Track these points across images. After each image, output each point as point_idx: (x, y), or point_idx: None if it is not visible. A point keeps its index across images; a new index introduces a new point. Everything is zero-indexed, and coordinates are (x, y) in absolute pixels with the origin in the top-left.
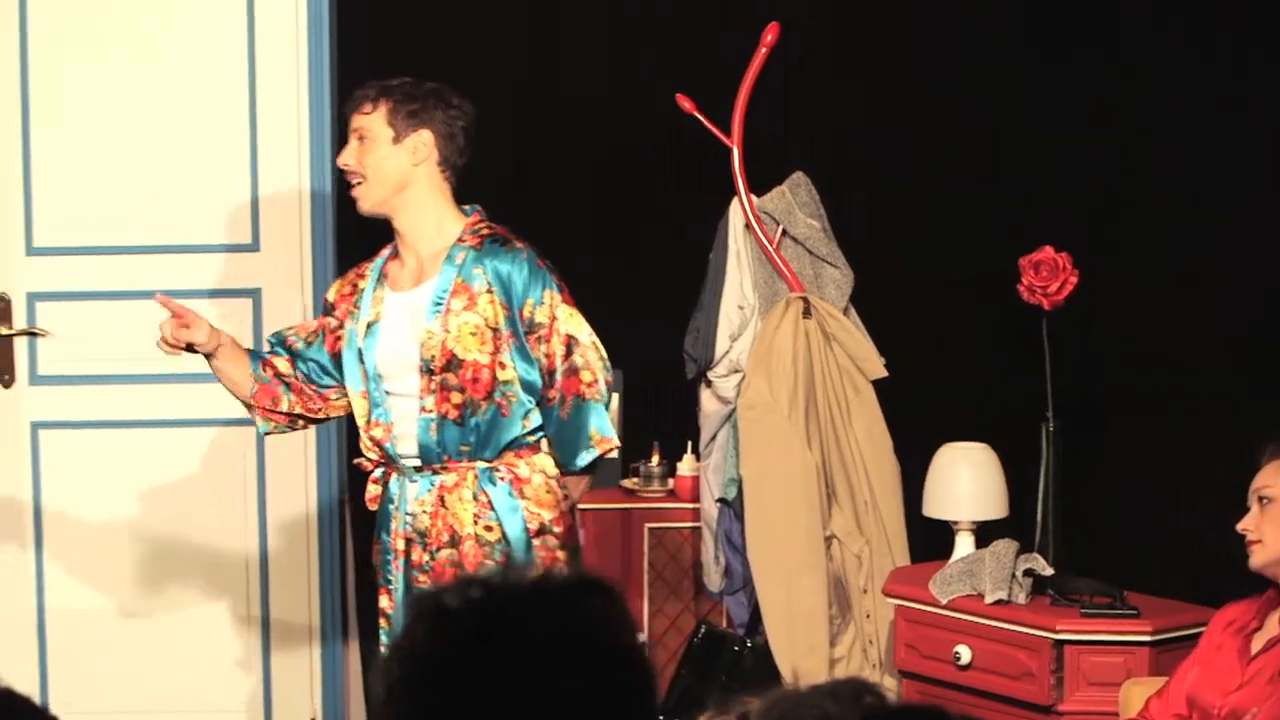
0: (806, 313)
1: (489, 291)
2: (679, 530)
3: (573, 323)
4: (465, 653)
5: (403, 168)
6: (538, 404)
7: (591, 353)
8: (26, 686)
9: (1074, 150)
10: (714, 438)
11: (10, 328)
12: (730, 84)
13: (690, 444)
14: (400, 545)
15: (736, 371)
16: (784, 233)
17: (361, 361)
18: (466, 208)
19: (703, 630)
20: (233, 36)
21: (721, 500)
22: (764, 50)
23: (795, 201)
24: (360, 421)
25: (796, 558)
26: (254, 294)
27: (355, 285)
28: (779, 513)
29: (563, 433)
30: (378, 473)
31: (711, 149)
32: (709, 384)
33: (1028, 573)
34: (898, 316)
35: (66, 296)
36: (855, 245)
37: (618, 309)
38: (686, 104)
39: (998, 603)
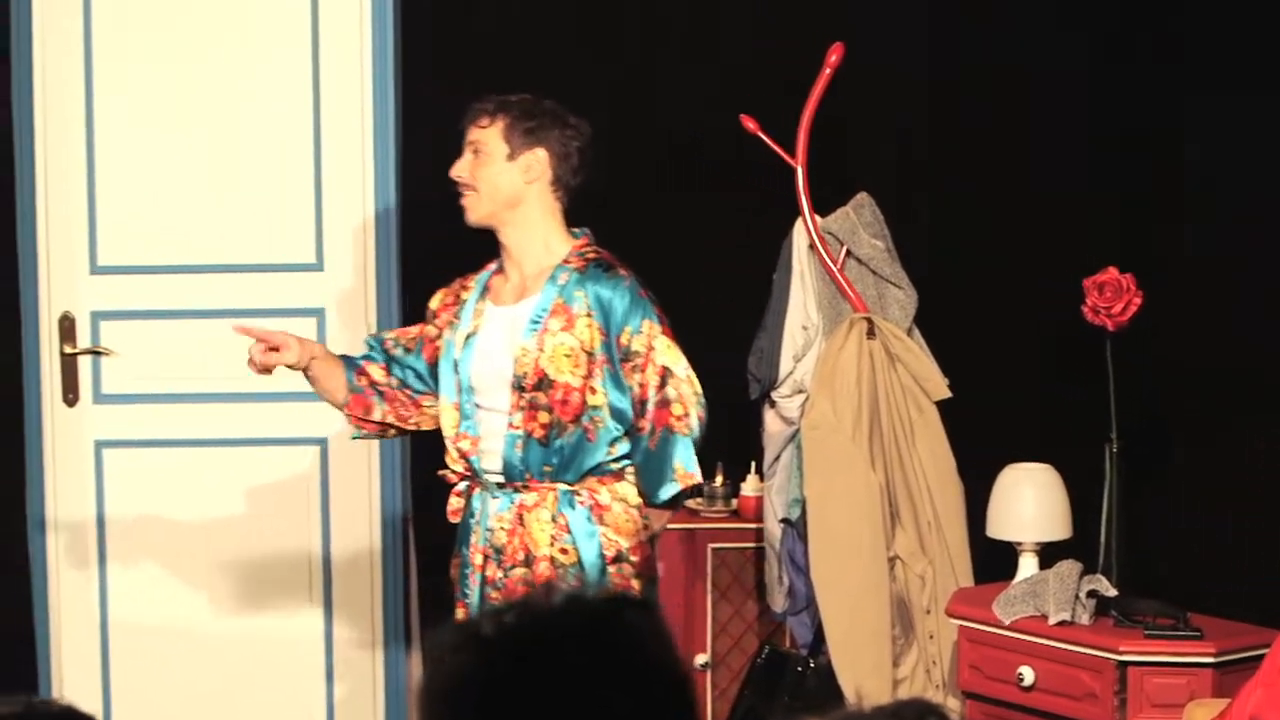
0: (870, 333)
1: (588, 315)
2: (742, 550)
3: (670, 355)
4: (503, 675)
5: (515, 185)
6: (627, 433)
7: (685, 386)
8: (90, 705)
9: (1157, 162)
10: (778, 458)
11: (74, 346)
12: (777, 101)
13: (754, 464)
14: (478, 560)
15: (800, 392)
16: (848, 253)
17: (456, 372)
18: (576, 230)
19: (766, 650)
20: (297, 55)
21: (785, 521)
22: (828, 71)
23: (859, 222)
24: (448, 432)
25: (860, 578)
26: (318, 313)
27: (459, 296)
28: (843, 533)
29: (648, 463)
30: (461, 485)
31: (775, 169)
32: (773, 404)
33: (1091, 594)
34: (961, 337)
35: (130, 315)
36: (917, 265)
37: (680, 328)
38: (750, 124)
39: (1061, 624)
